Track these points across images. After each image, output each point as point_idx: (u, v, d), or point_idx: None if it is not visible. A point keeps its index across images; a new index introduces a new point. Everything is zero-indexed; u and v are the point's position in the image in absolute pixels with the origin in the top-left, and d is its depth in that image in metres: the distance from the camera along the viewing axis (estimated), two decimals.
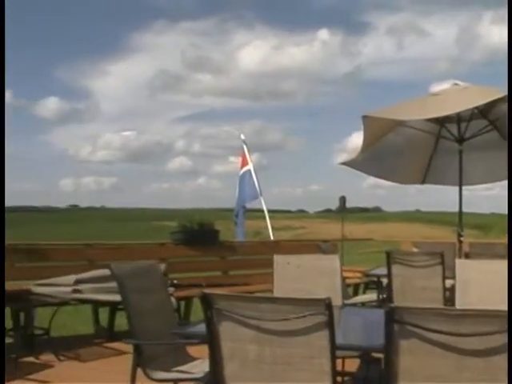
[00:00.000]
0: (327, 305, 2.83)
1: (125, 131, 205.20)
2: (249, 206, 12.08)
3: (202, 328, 3.33)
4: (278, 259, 5.61)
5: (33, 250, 8.13)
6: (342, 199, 10.94)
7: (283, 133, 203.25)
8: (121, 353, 6.81)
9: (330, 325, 2.87)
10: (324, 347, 2.90)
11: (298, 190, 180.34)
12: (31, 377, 5.96)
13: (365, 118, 6.87)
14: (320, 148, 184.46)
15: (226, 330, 3.05)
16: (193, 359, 4.43)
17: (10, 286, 7.11)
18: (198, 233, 8.57)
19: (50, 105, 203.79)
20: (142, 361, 4.09)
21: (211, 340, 3.09)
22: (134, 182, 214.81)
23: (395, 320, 2.72)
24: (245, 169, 11.38)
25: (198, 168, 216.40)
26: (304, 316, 2.85)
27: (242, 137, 11.48)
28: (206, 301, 3.00)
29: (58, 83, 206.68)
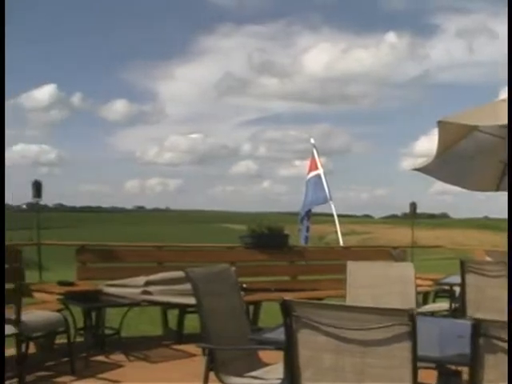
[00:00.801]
0: (411, 315, 2.76)
1: (191, 134, 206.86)
2: (314, 210, 11.96)
3: (277, 334, 3.30)
4: (351, 266, 5.54)
5: (104, 250, 8.22)
6: (413, 205, 10.75)
7: (349, 137, 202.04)
8: (190, 355, 6.81)
9: (412, 336, 2.80)
10: (405, 358, 2.84)
11: (363, 194, 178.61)
12: (102, 376, 6.01)
13: (440, 123, 6.71)
14: (386, 152, 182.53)
15: (304, 337, 3.01)
16: (265, 365, 4.38)
17: (81, 285, 7.23)
18: (268, 237, 8.52)
19: (118, 107, 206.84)
20: (214, 365, 4.07)
21: (289, 347, 3.05)
22: (199, 184, 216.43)
23: (481, 333, 2.65)
24: (314, 173, 11.27)
25: (264, 172, 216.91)
26: (386, 326, 2.78)
27: (312, 141, 11.43)
28: (286, 308, 2.96)
29: (125, 86, 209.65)
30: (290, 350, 3.05)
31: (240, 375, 4.13)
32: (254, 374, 4.18)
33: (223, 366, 4.11)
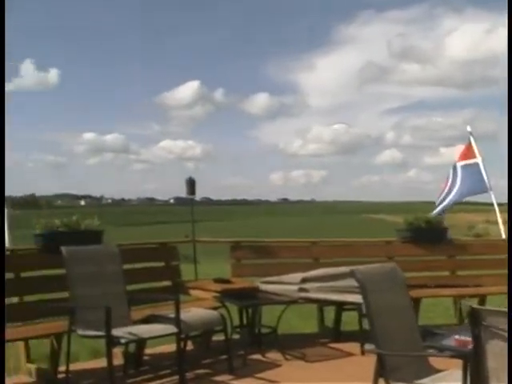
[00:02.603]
0: None
1: (334, 124, 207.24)
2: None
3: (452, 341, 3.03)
4: None
5: (258, 247, 8.13)
6: None
7: (497, 122, 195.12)
8: (348, 354, 6.62)
9: None
10: None
11: None
12: (259, 375, 5.90)
13: None
14: None
15: (493, 348, 2.72)
16: (436, 371, 4.09)
17: (237, 282, 7.17)
18: (426, 230, 8.15)
19: (259, 100, 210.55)
20: (384, 371, 3.82)
21: (475, 357, 2.77)
22: (343, 175, 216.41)
23: None
24: (470, 161, 10.75)
25: (409, 160, 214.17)
26: None
27: (469, 128, 10.86)
28: (474, 316, 2.68)
29: (266, 79, 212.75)
30: (476, 360, 2.77)
31: (410, 381, 3.87)
32: (424, 381, 3.91)
33: (393, 372, 3.86)
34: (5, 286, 4.85)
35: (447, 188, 10.95)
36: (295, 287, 6.90)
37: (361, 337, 6.51)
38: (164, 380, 5.79)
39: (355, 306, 6.63)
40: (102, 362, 5.85)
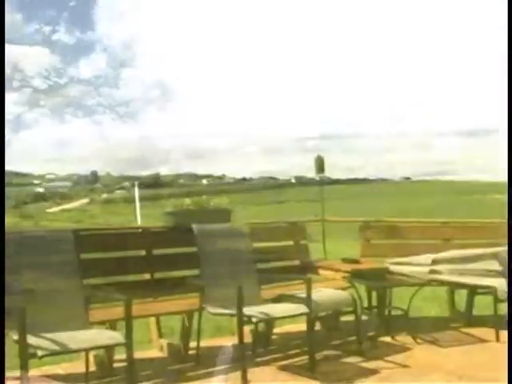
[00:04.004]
0: None
1: None
2: None
3: None
4: None
5: (387, 226, 7.97)
6: None
7: None
8: (480, 340, 6.38)
9: None
10: None
11: None
12: (389, 358, 5.77)
13: None
14: None
15: None
16: None
17: (365, 263, 7.08)
18: None
19: None
20: None
21: None
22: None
23: None
24: None
25: None
26: None
27: None
28: None
29: None
30: None
31: None
32: None
33: None
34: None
35: None
36: (426, 269, 6.71)
37: (496, 322, 6.27)
38: (293, 360, 5.77)
39: (489, 290, 6.41)
40: (228, 340, 5.91)
